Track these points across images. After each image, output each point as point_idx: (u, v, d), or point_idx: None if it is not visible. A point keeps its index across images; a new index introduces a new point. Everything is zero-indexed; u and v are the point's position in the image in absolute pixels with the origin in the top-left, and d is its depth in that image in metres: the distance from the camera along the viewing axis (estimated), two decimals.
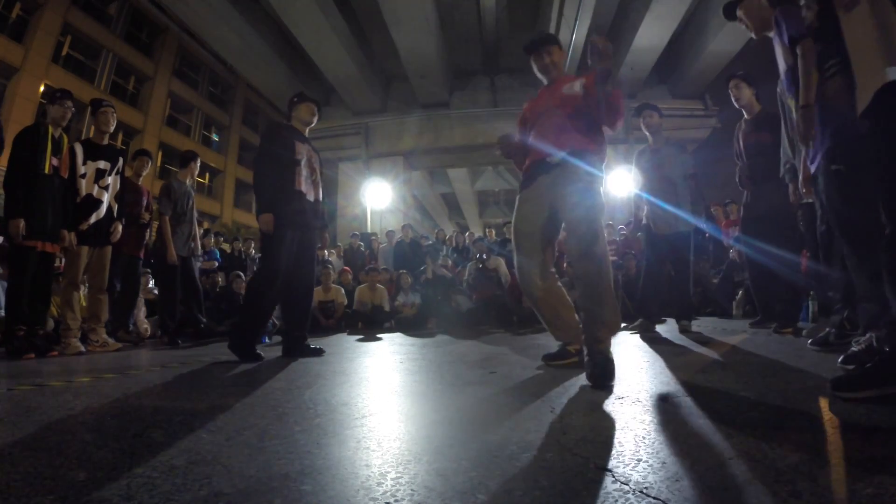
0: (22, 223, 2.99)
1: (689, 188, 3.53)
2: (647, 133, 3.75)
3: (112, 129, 3.66)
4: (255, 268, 4.12)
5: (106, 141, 3.63)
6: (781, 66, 2.13)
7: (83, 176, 3.43)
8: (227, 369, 2.29)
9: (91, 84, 16.72)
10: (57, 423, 1.24)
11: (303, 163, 2.87)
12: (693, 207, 3.52)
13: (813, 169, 1.93)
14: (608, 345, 1.79)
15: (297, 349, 2.83)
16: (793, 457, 0.83)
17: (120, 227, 3.63)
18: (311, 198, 2.92)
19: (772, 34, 2.14)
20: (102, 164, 3.52)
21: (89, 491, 0.77)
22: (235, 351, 2.64)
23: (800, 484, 0.72)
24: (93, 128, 3.65)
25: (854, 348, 1.72)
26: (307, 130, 3.05)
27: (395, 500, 0.71)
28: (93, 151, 3.50)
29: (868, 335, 1.69)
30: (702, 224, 3.79)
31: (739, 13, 2.23)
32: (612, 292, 1.89)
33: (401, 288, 6.31)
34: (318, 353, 2.83)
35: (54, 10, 15.02)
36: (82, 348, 3.29)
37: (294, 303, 2.90)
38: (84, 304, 3.63)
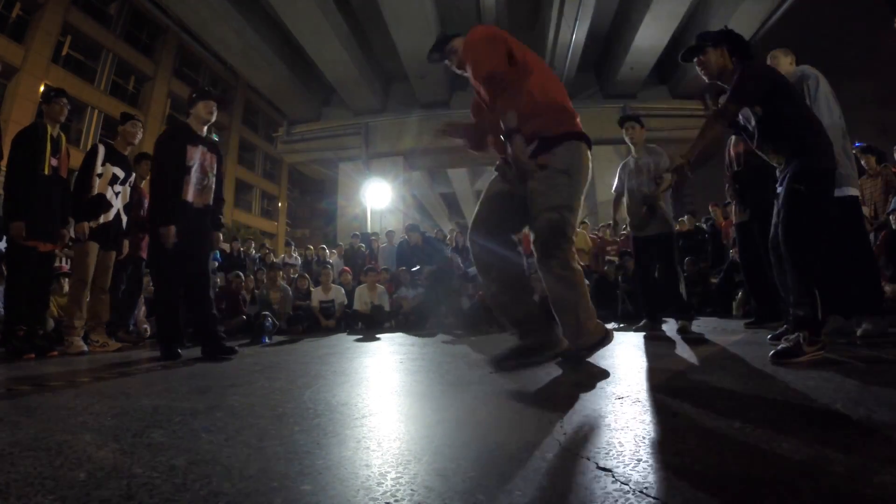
0: (23, 226, 3.00)
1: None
2: (630, 145, 3.77)
3: (137, 142, 3.81)
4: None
5: (127, 152, 3.74)
6: (749, 117, 2.24)
7: (100, 175, 3.49)
8: (227, 369, 2.29)
9: (91, 84, 16.74)
10: (57, 423, 1.24)
11: (193, 169, 2.85)
12: (671, 208, 3.62)
13: (779, 189, 2.23)
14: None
15: (209, 349, 2.82)
16: (793, 457, 0.83)
17: (127, 243, 3.81)
18: (198, 205, 2.89)
19: (726, 86, 2.24)
20: (118, 171, 3.61)
21: (89, 491, 0.77)
22: (164, 355, 2.76)
23: (800, 484, 0.72)
24: (119, 137, 3.73)
25: (785, 345, 1.94)
26: (205, 129, 3.00)
27: (395, 500, 0.71)
28: (113, 157, 3.60)
29: (796, 335, 1.93)
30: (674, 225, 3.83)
31: (700, 58, 2.30)
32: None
33: (402, 283, 6.31)
34: (230, 351, 2.82)
35: (54, 10, 15.01)
36: (85, 348, 3.29)
37: (193, 310, 2.93)
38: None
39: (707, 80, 2.38)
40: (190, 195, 2.84)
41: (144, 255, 4.37)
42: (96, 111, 16.75)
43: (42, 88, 14.16)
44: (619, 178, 3.83)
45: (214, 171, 3.02)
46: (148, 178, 4.43)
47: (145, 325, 4.63)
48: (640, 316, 3.84)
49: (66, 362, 2.82)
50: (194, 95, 3.01)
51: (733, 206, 3.64)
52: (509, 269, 2.02)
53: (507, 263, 2.02)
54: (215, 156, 3.04)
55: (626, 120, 3.76)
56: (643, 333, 3.43)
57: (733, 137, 3.49)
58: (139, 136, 3.79)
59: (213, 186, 3.00)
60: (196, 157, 2.87)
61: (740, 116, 2.25)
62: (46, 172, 3.16)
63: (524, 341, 1.94)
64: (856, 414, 1.09)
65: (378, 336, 4.54)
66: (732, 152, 3.47)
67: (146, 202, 4.35)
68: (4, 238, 3.14)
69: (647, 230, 3.57)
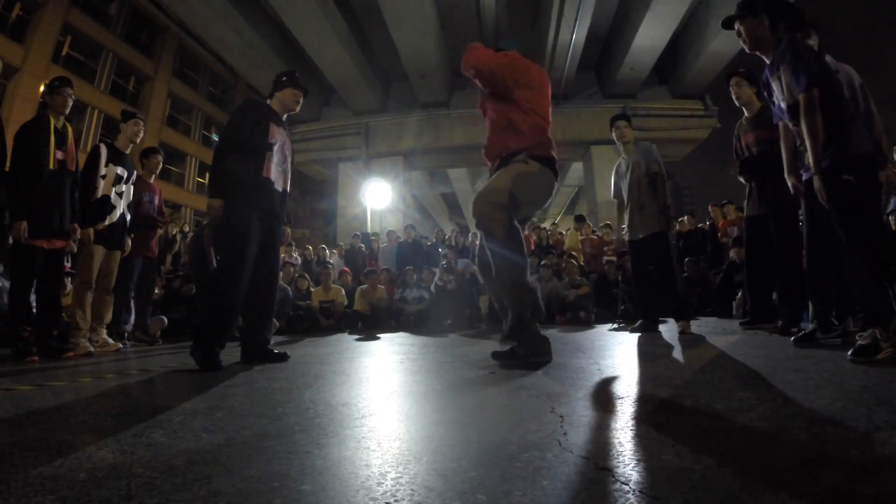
0: (24, 225, 2.91)
1: (667, 187, 3.59)
2: (619, 144, 3.77)
3: (139, 141, 3.87)
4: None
5: (128, 151, 3.76)
6: (781, 98, 2.13)
7: (104, 176, 3.49)
8: (227, 370, 2.28)
9: (91, 84, 16.74)
10: (57, 423, 1.24)
11: (276, 148, 2.63)
12: (670, 204, 3.60)
13: (806, 176, 2.18)
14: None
15: (258, 354, 2.54)
16: (793, 457, 0.83)
17: (130, 242, 3.77)
18: (279, 187, 2.67)
19: (767, 59, 2.17)
20: (121, 171, 3.61)
21: (89, 491, 0.77)
22: (195, 357, 2.26)
23: (801, 484, 0.72)
24: (120, 135, 3.76)
25: (861, 342, 1.81)
26: (285, 116, 2.82)
27: (395, 500, 0.71)
28: (116, 156, 3.60)
29: (870, 330, 1.81)
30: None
31: (738, 27, 2.22)
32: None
33: (406, 284, 6.31)
34: (282, 358, 2.56)
35: (54, 10, 15.03)
36: (92, 349, 3.26)
37: (255, 303, 2.57)
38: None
39: (748, 51, 2.24)
40: (272, 173, 2.60)
41: (153, 254, 4.37)
42: (96, 111, 16.77)
43: (42, 88, 14.15)
44: (615, 182, 3.84)
45: (291, 158, 2.82)
46: (157, 172, 4.46)
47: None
48: (638, 316, 3.85)
49: (67, 363, 2.81)
50: (284, 79, 2.77)
51: (746, 198, 3.41)
52: (508, 269, 2.10)
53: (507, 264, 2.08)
54: (290, 143, 2.86)
55: (614, 120, 3.77)
56: (639, 334, 3.42)
57: (743, 124, 3.35)
58: (141, 134, 3.82)
59: (290, 174, 2.80)
60: (278, 136, 2.67)
61: (776, 94, 2.14)
62: (52, 167, 3.07)
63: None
64: (856, 414, 1.09)
65: (378, 336, 4.54)
66: (743, 141, 3.32)
67: (157, 199, 4.37)
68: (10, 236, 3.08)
69: (640, 232, 3.58)
